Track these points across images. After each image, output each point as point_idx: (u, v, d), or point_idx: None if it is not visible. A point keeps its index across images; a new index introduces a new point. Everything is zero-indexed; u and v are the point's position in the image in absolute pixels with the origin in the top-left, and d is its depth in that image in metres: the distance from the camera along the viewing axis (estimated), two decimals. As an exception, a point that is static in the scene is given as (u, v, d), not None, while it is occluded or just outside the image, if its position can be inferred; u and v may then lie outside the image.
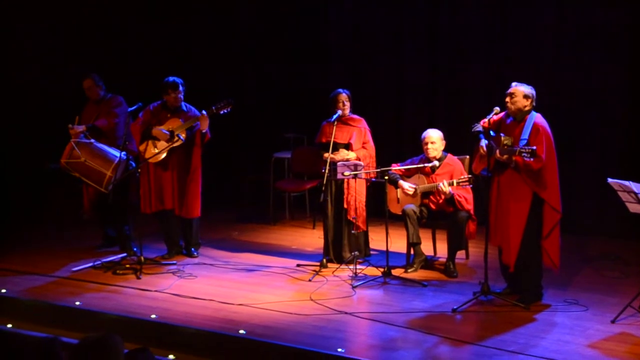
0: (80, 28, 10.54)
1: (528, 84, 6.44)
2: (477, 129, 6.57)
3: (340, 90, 7.65)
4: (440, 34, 9.32)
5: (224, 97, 7.68)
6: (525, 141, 6.23)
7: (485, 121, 6.53)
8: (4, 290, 7.02)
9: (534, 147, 6.08)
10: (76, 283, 7.26)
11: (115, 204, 7.76)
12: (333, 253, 7.68)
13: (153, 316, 6.36)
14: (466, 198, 7.30)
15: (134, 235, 7.95)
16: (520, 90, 6.36)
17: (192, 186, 7.74)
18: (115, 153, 7.67)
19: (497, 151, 6.29)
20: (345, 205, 7.63)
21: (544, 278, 6.57)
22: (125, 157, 7.65)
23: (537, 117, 6.35)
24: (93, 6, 10.51)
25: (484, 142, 6.44)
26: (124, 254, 7.90)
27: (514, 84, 6.43)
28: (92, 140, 7.80)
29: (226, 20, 10.52)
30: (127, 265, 7.59)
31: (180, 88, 7.71)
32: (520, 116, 6.37)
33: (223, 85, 10.26)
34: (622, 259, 7.81)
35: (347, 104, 7.62)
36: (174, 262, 7.80)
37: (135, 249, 7.84)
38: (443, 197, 7.29)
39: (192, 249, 8.01)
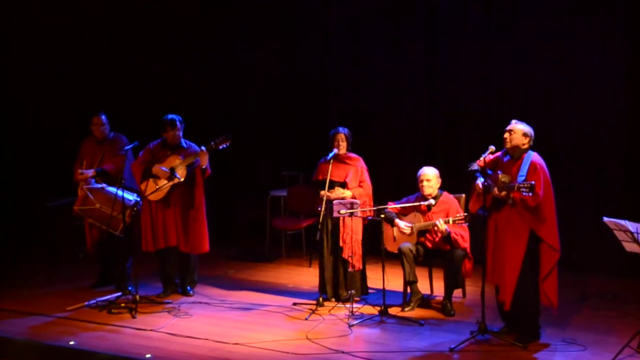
0: (76, 62, 10.64)
1: (525, 120, 6.49)
2: (474, 168, 6.59)
3: (340, 129, 7.69)
4: (436, 74, 9.39)
5: (222, 133, 7.71)
6: (523, 177, 6.25)
7: (481, 160, 6.56)
8: (-3, 330, 6.99)
9: (533, 182, 6.11)
10: (71, 322, 7.21)
11: (119, 242, 7.75)
12: (330, 291, 7.65)
13: (148, 356, 6.30)
14: (462, 236, 7.29)
15: (132, 273, 7.91)
16: (520, 128, 6.40)
17: (197, 222, 7.74)
18: (129, 197, 7.68)
19: (496, 188, 6.31)
20: (340, 244, 7.62)
21: (541, 317, 6.54)
22: (138, 200, 7.66)
23: (534, 156, 6.39)
24: (91, 41, 10.64)
25: (479, 181, 6.47)
26: (119, 293, 7.86)
27: (513, 121, 6.47)
28: (104, 185, 7.80)
29: (223, 57, 10.60)
30: (122, 304, 7.54)
31: (179, 125, 7.74)
32: (517, 154, 6.41)
33: (219, 122, 10.31)
34: (620, 297, 7.79)
35: (343, 143, 7.65)
36: (169, 300, 7.76)
37: (130, 288, 7.80)
38: (440, 235, 7.29)
39: (188, 288, 7.97)
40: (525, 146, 6.40)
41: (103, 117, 8.15)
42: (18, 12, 10.59)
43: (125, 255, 7.98)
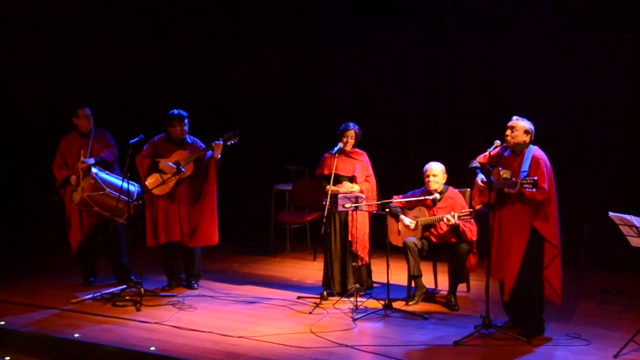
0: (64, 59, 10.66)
1: (528, 117, 6.48)
2: (474, 165, 6.62)
3: (351, 125, 7.66)
4: (441, 69, 9.38)
5: (230, 128, 7.71)
6: (526, 173, 6.25)
7: (485, 155, 6.55)
8: (2, 322, 7.00)
9: (535, 178, 6.11)
10: (75, 315, 7.23)
11: (119, 235, 7.76)
12: (335, 285, 7.65)
13: (152, 348, 6.32)
14: (471, 229, 7.31)
15: (134, 267, 7.92)
16: (521, 125, 6.39)
17: (208, 214, 7.75)
18: (130, 187, 7.70)
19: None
20: (350, 238, 7.62)
21: (545, 311, 6.54)
22: (139, 189, 7.69)
23: (535, 150, 6.39)
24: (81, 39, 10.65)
25: (479, 178, 6.47)
26: (124, 286, 7.87)
27: (514, 117, 6.46)
28: (108, 173, 7.82)
29: (225, 52, 10.60)
30: (127, 297, 7.56)
31: (186, 120, 7.76)
32: (519, 149, 6.41)
33: (223, 116, 10.31)
34: (624, 292, 7.78)
35: (352, 140, 7.62)
36: (174, 294, 7.78)
37: (135, 279, 7.83)
38: (446, 227, 7.28)
39: (193, 281, 7.99)
40: (527, 142, 6.41)
41: (88, 109, 8.12)
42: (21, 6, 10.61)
43: (125, 248, 8.00)
